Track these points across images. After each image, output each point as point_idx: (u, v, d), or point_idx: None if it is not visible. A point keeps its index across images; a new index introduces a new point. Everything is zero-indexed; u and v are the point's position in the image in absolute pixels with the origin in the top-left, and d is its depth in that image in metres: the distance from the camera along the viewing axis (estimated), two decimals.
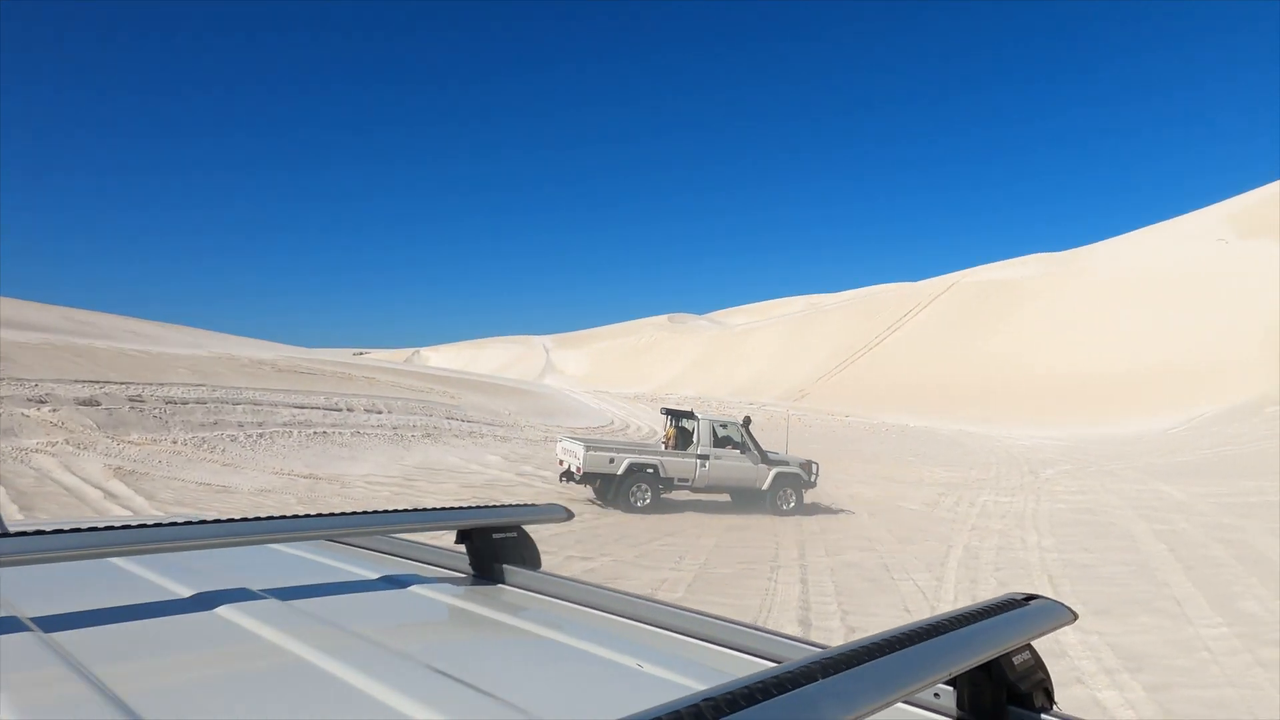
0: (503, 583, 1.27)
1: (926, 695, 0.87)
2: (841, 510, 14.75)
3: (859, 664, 0.65)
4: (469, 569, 1.31)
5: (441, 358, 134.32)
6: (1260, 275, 47.20)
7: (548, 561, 1.27)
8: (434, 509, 1.28)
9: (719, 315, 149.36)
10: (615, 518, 13.22)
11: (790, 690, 0.59)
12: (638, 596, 1.11)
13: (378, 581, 1.26)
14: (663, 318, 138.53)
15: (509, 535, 1.31)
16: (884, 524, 13.26)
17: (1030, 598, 0.93)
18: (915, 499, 16.29)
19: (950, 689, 0.85)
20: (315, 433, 17.49)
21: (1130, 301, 50.91)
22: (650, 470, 14.31)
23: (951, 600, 8.47)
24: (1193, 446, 25.41)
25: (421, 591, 1.24)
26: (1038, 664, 0.86)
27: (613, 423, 31.94)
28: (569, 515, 1.42)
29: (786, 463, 15.17)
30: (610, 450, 14.51)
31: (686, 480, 14.76)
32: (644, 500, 14.06)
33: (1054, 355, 48.09)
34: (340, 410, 19.76)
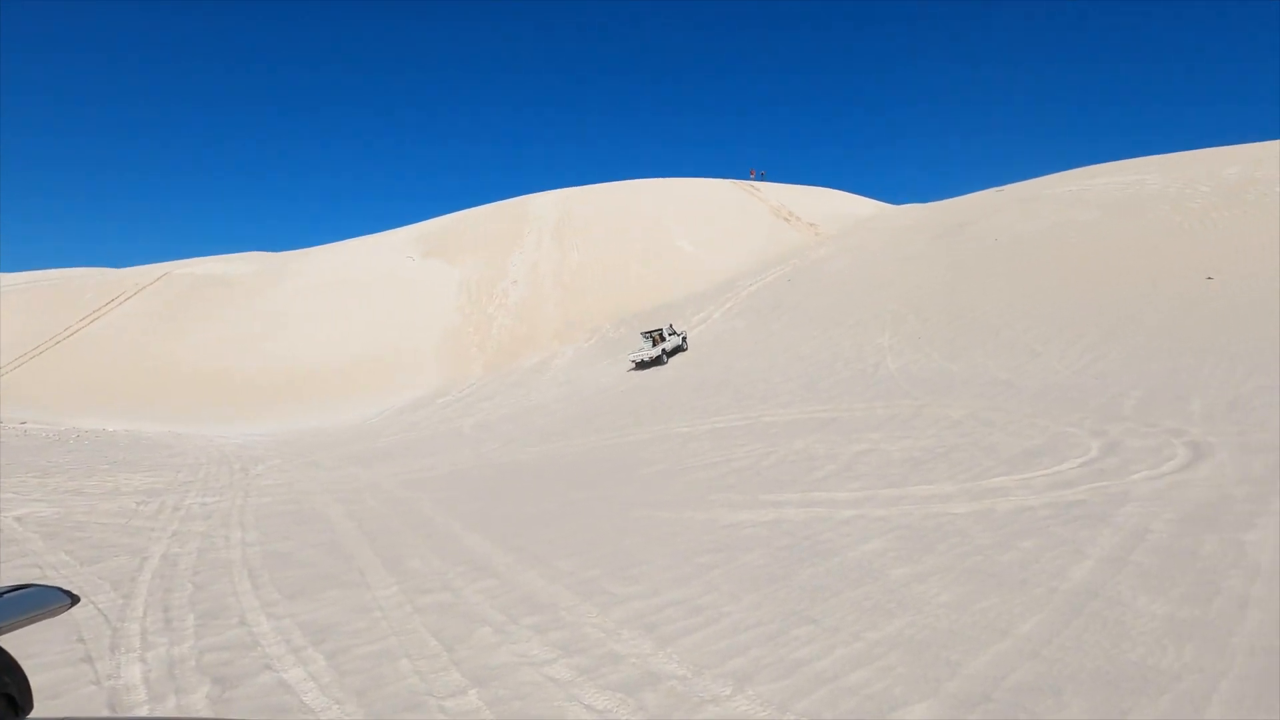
0: None
1: None
2: (2, 536, 12.07)
3: None
4: None
5: None
6: (438, 288, 57.36)
7: None
8: None
9: None
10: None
11: None
12: None
13: None
14: None
15: None
16: (63, 546, 11.37)
17: (19, 587, 0.81)
18: (107, 511, 14.45)
19: None
20: None
21: (339, 303, 55.68)
22: (666, 351, 33.33)
23: (140, 617, 7.76)
24: (384, 433, 29.23)
25: None
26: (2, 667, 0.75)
27: None
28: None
29: (683, 334, 35.00)
30: (658, 348, 33.20)
31: (670, 351, 33.62)
32: (666, 362, 32.65)
33: (271, 351, 49.13)
34: None
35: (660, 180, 76.71)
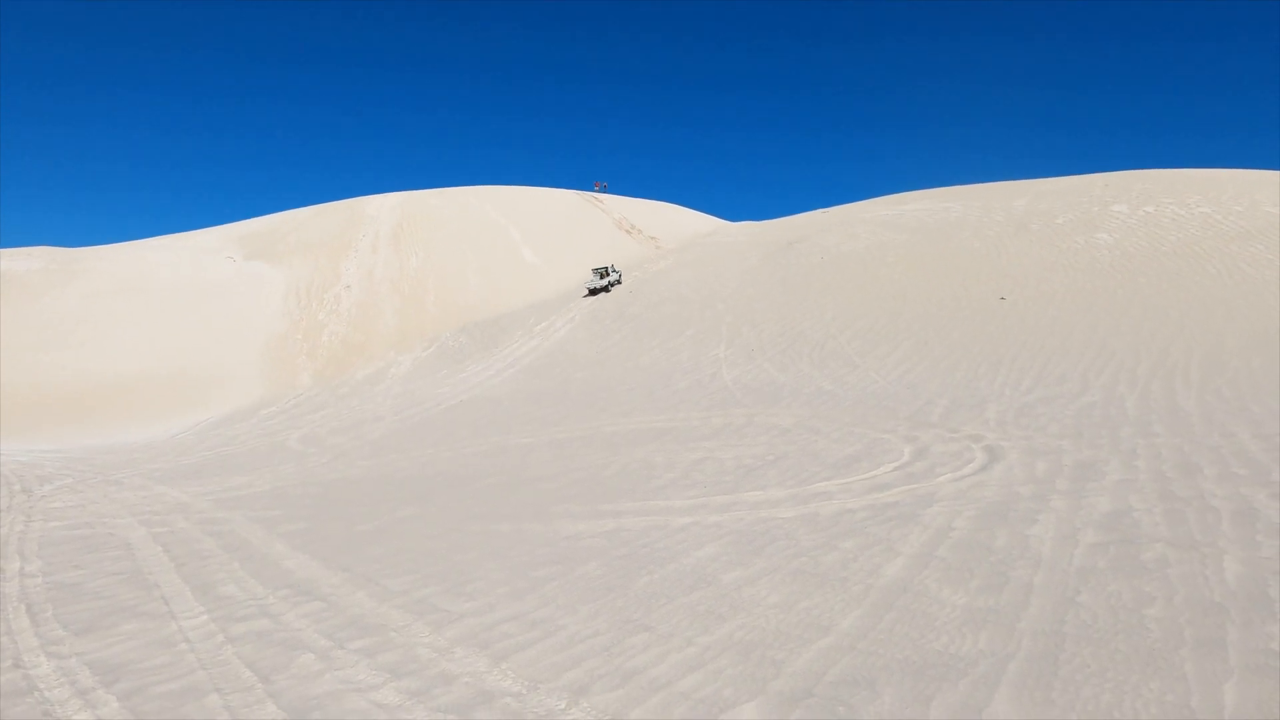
0: None
1: None
2: None
3: None
4: None
5: None
6: (261, 293, 53.72)
7: None
8: None
9: None
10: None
11: None
12: None
13: None
14: None
15: None
16: None
17: None
18: None
19: None
20: None
21: (143, 307, 50.78)
22: (611, 282, 44.99)
23: None
24: (197, 449, 26.91)
25: None
26: None
27: None
28: None
29: (619, 273, 46.48)
30: (604, 280, 44.79)
31: (613, 283, 45.07)
32: (610, 291, 43.93)
33: (59, 360, 44.03)
34: None
35: (504, 187, 75.85)
